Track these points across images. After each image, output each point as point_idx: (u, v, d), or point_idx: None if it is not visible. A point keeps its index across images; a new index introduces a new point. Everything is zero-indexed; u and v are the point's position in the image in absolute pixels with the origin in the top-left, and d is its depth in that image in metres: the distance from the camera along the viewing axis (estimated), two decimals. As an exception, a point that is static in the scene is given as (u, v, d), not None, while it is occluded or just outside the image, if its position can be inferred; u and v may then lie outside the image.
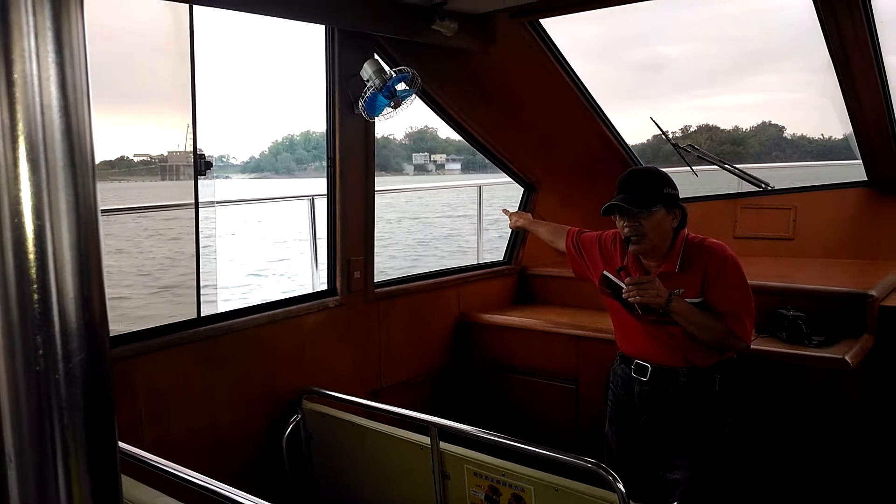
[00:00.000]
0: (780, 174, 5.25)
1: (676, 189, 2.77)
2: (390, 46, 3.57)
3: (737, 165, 4.77)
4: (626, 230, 2.71)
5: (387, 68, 3.30)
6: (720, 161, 4.76)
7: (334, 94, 3.37)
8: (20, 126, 0.50)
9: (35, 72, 0.51)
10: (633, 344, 2.90)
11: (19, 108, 0.50)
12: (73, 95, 0.53)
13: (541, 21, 3.60)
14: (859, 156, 4.25)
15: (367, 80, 3.26)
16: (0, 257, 0.51)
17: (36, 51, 0.51)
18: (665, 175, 2.78)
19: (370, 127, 3.53)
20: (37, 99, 0.51)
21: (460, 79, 3.93)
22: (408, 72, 3.26)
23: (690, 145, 4.63)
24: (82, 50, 0.54)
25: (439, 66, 3.75)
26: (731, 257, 2.73)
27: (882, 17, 3.30)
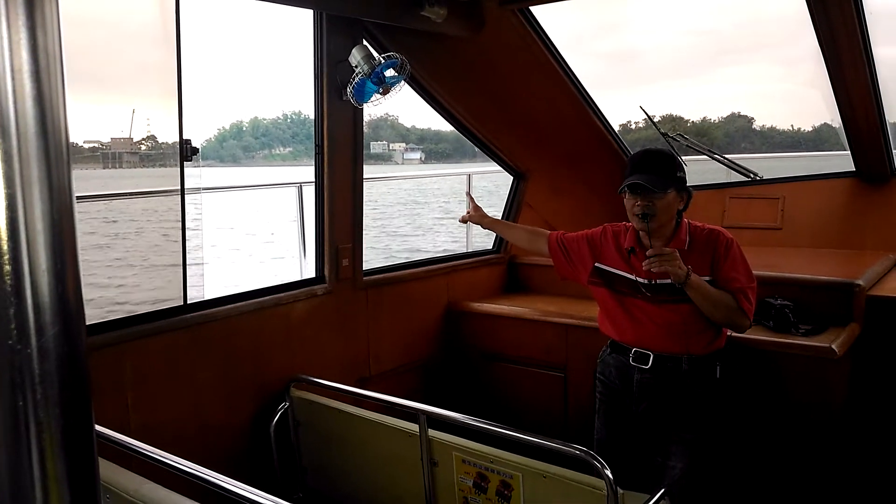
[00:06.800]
0: (765, 164, 5.25)
1: (685, 173, 2.82)
2: (379, 32, 3.54)
3: (726, 155, 4.78)
4: (637, 208, 2.73)
5: (375, 54, 3.27)
6: (709, 151, 4.76)
7: (322, 80, 3.34)
8: None
9: (5, 34, 0.49)
10: (632, 331, 2.89)
11: None
12: (45, 60, 0.51)
13: (531, 8, 3.59)
14: (847, 146, 4.27)
15: (356, 67, 3.23)
16: None
17: (6, 13, 0.49)
18: (678, 159, 2.86)
19: (359, 114, 3.51)
20: (7, 63, 0.49)
21: (450, 66, 3.91)
22: (397, 58, 3.23)
23: (680, 134, 4.63)
24: (55, 13, 0.52)
25: (428, 52, 3.73)
26: (735, 239, 2.82)
27: (871, 8, 3.30)
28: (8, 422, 0.52)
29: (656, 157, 2.82)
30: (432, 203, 27.60)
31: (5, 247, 0.50)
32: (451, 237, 17.76)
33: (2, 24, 0.49)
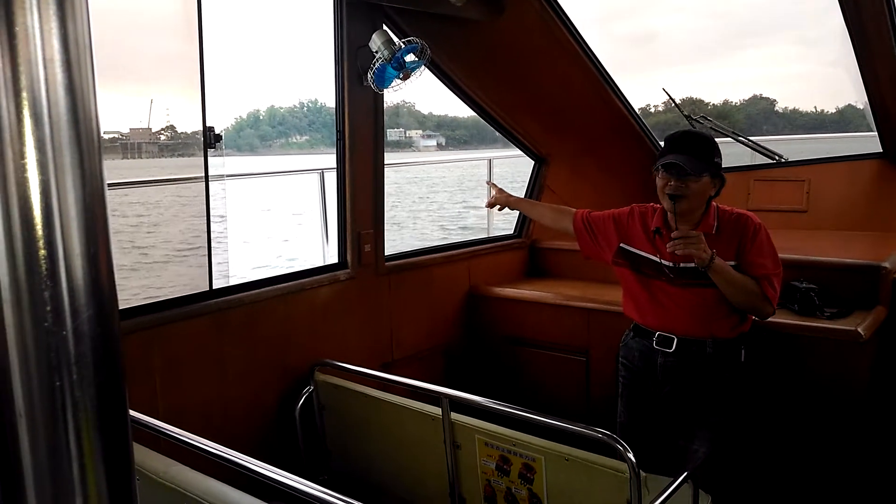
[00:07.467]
0: (789, 147, 5.18)
1: (722, 159, 2.79)
2: (399, 17, 3.54)
3: (750, 138, 4.72)
4: (669, 188, 2.70)
5: (396, 39, 3.27)
6: (734, 133, 4.71)
7: (343, 66, 3.35)
8: (22, 80, 0.50)
9: (37, 25, 0.50)
10: (656, 315, 2.88)
11: (21, 61, 0.50)
12: (75, 50, 0.52)
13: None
14: (874, 127, 4.21)
15: (376, 52, 3.24)
16: (5, 213, 0.51)
17: (37, 3, 0.50)
18: (717, 144, 2.81)
19: (379, 99, 3.51)
20: (39, 53, 0.50)
21: (470, 50, 3.89)
22: (417, 43, 3.22)
23: (703, 116, 4.59)
24: (84, 3, 0.53)
25: (449, 36, 3.72)
26: (763, 225, 2.78)
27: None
28: (46, 402, 0.54)
29: (696, 139, 2.79)
30: (421, 192, 27.26)
31: (40, 232, 0.52)
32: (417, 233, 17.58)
33: (33, 15, 0.50)
